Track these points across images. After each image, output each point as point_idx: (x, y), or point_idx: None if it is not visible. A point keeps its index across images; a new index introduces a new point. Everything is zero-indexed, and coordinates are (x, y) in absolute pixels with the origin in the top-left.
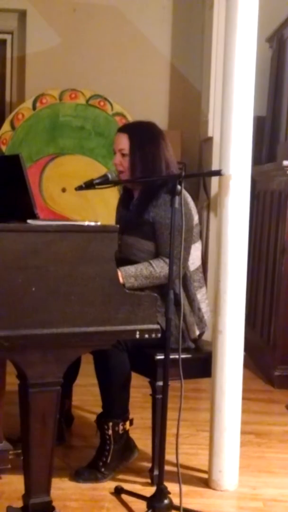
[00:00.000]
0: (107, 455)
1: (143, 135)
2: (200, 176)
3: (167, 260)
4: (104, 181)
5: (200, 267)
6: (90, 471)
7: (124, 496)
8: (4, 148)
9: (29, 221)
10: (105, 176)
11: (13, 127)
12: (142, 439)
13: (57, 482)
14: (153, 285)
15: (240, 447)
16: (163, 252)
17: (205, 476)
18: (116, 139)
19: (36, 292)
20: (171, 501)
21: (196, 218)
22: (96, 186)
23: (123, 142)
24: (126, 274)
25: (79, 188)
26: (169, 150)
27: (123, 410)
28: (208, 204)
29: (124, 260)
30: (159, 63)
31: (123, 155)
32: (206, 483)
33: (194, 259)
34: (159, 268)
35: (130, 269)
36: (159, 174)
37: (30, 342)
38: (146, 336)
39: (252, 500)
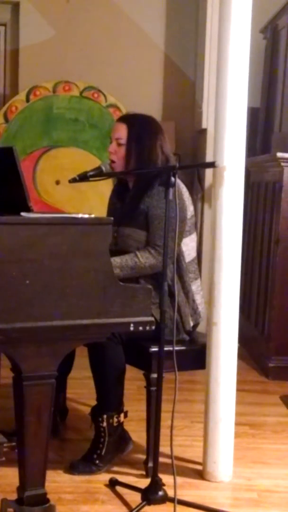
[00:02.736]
0: (102, 447)
1: (141, 128)
2: (194, 167)
3: (153, 251)
4: (98, 173)
5: (195, 259)
6: (84, 464)
7: (119, 488)
8: None
9: (22, 213)
10: (99, 168)
11: (6, 119)
12: (137, 431)
13: (52, 474)
14: (140, 275)
15: (235, 438)
16: (151, 242)
17: (199, 467)
18: (115, 128)
19: (31, 285)
20: (165, 493)
21: (191, 209)
22: (90, 179)
23: (121, 131)
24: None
25: (73, 180)
26: (167, 146)
27: (117, 402)
28: (203, 195)
29: (120, 252)
30: (153, 54)
31: (119, 144)
32: (200, 474)
33: (190, 251)
34: (144, 258)
35: (116, 260)
36: (153, 166)
37: (25, 335)
38: (141, 328)
39: (247, 491)
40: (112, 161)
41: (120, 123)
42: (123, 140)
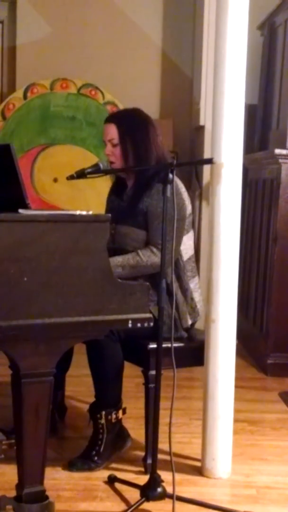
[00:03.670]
0: (100, 444)
1: (130, 122)
2: (192, 164)
3: (155, 250)
4: (96, 171)
5: (193, 257)
6: (83, 461)
7: (118, 485)
8: None
9: (20, 211)
10: (96, 165)
11: (4, 117)
12: (136, 429)
13: (50, 472)
14: (142, 274)
15: (233, 435)
16: (152, 241)
17: (198, 464)
18: (105, 130)
19: (28, 283)
20: (164, 490)
21: (189, 207)
22: (88, 176)
23: (112, 132)
24: (113, 264)
25: (71, 177)
26: (158, 134)
27: (116, 399)
28: (200, 192)
29: (118, 250)
30: (150, 51)
31: (113, 145)
32: (199, 471)
33: (187, 249)
34: (146, 257)
35: (117, 258)
36: (151, 159)
37: (22, 333)
38: (139, 325)
39: (246, 488)
40: (112, 162)
41: (108, 124)
42: (116, 140)
